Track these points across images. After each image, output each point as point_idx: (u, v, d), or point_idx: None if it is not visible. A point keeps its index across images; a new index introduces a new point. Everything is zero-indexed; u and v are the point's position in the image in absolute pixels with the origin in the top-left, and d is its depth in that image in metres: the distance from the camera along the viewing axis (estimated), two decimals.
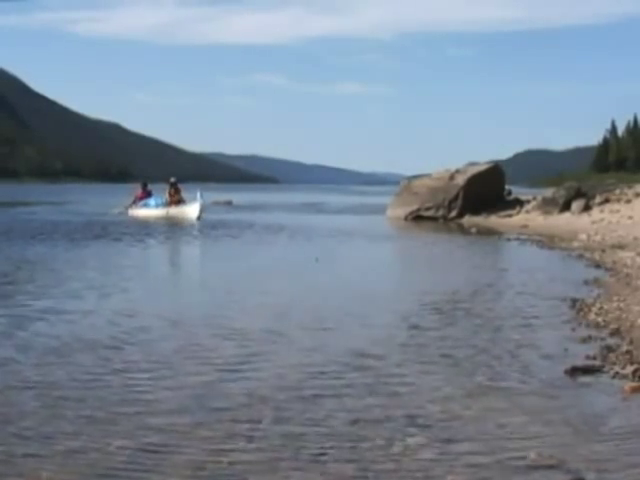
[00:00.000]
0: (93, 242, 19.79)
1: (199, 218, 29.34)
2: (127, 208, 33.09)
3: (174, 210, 30.90)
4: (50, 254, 16.59)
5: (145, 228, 25.04)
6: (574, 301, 10.45)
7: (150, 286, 12.59)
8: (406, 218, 32.85)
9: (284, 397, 5.95)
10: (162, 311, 9.75)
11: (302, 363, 7.04)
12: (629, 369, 6.64)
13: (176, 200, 31.62)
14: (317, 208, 48.62)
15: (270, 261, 16.73)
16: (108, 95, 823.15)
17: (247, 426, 5.26)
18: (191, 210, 30.15)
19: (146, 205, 32.52)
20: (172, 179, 32.89)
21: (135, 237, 21.39)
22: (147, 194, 33.39)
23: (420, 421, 5.41)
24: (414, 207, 32.99)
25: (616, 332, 8.30)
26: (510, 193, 34.55)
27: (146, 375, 6.55)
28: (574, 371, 6.69)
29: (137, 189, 34.29)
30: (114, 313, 9.43)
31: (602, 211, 27.60)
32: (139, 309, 9.85)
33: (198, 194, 30.20)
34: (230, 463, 4.61)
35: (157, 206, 31.95)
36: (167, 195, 32.02)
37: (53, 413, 5.46)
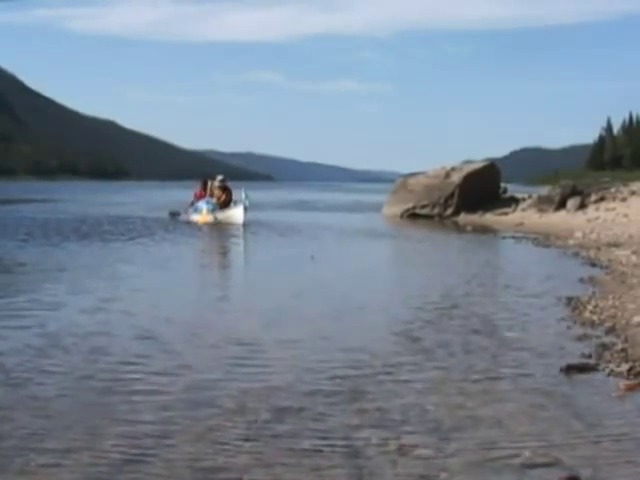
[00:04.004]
0: None
1: (245, 224, 25.38)
2: (186, 211, 28.64)
3: (221, 214, 26.71)
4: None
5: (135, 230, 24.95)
6: (569, 299, 10.46)
7: (148, 290, 12.59)
8: (402, 216, 32.86)
9: (278, 395, 5.94)
10: (157, 312, 9.76)
11: (297, 362, 7.04)
12: (624, 367, 6.65)
13: (224, 202, 27.39)
14: (313, 206, 48.62)
15: (267, 260, 16.73)
16: (104, 92, 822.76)
17: (242, 424, 5.25)
18: (236, 214, 26.12)
19: (197, 209, 27.80)
20: (219, 177, 28.30)
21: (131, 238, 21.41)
22: (207, 194, 28.20)
23: (415, 420, 5.40)
24: (410, 205, 33.00)
25: (611, 330, 8.30)
26: (506, 191, 34.58)
27: (141, 369, 6.56)
28: (569, 369, 6.69)
29: (196, 187, 29.18)
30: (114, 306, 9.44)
31: (598, 209, 27.62)
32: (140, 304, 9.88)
33: (243, 194, 26.16)
34: (225, 462, 4.60)
35: (208, 209, 27.38)
36: (215, 197, 27.56)
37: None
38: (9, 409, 5.48)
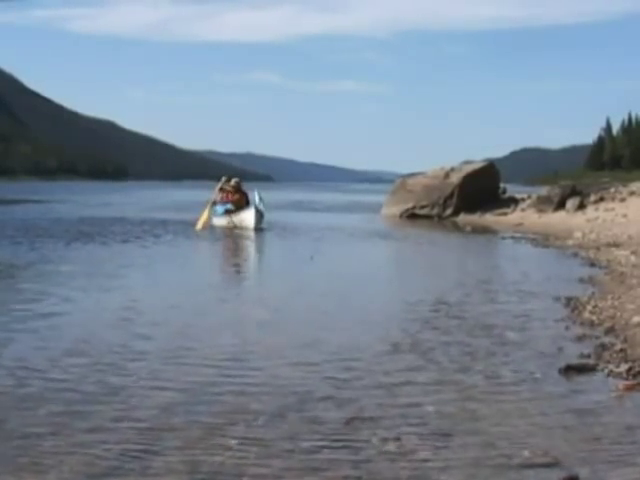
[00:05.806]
0: None
1: (257, 228, 23.43)
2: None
3: (235, 218, 24.68)
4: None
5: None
6: (568, 299, 10.46)
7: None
8: (401, 216, 32.89)
9: (278, 395, 5.94)
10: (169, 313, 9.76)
11: (296, 362, 7.04)
12: (623, 367, 6.65)
13: (239, 204, 25.35)
14: (312, 207, 48.63)
15: (267, 261, 16.75)
16: (103, 93, 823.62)
17: (242, 424, 5.26)
18: (246, 218, 23.97)
19: (215, 212, 26.01)
20: (234, 180, 26.20)
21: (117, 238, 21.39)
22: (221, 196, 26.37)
23: (414, 420, 5.40)
24: (409, 205, 33.03)
25: (610, 330, 8.30)
26: (505, 191, 34.59)
27: (138, 367, 6.56)
28: (568, 370, 6.69)
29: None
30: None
31: (597, 209, 27.64)
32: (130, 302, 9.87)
33: (256, 196, 24.23)
34: (224, 462, 4.60)
35: (223, 212, 25.61)
36: (228, 198, 25.65)
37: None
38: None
